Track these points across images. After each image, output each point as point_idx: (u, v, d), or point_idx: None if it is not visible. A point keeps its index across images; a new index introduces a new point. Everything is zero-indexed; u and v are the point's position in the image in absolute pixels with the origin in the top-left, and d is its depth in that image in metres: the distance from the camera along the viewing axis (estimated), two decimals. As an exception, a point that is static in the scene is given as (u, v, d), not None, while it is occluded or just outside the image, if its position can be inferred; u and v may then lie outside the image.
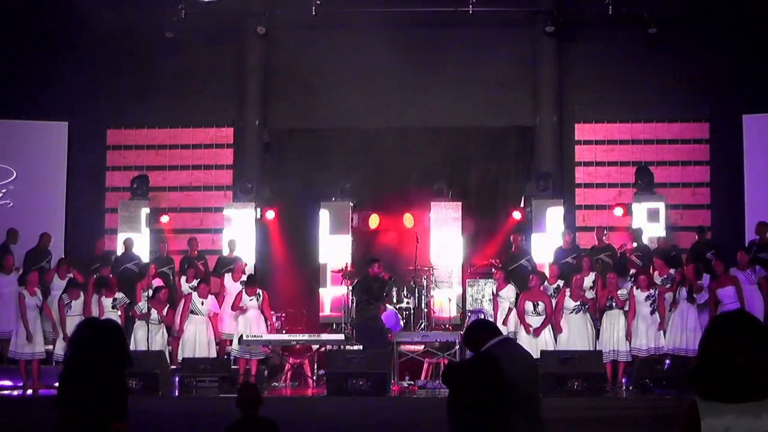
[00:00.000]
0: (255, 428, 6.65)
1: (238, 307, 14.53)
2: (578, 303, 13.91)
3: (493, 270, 15.74)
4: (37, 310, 14.05)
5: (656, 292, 13.74)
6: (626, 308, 13.90)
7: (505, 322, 14.07)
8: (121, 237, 16.83)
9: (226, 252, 16.29)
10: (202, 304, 14.37)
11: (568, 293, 14.06)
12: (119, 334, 5.33)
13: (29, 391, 13.68)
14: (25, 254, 15.89)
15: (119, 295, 14.38)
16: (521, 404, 5.47)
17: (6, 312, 14.35)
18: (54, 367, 14.15)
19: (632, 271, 14.62)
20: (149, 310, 14.24)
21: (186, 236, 16.95)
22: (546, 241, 16.47)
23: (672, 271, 14.23)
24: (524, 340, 13.14)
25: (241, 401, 6.75)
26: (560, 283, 14.65)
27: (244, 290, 14.63)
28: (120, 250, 16.43)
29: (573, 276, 14.42)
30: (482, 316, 15.01)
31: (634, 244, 15.74)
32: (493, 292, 14.75)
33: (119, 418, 5.14)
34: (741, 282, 13.71)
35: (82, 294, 14.32)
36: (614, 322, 13.80)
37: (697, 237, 15.75)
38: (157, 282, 15.04)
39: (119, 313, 14.29)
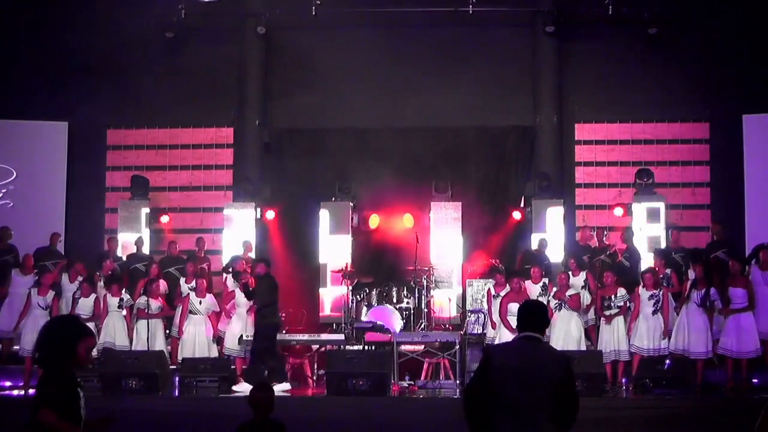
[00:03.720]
0: (263, 431, 6.61)
1: (227, 306, 14.54)
2: (557, 301, 13.86)
3: (492, 270, 15.78)
4: (44, 310, 14.01)
5: (660, 292, 13.70)
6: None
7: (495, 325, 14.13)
8: (121, 237, 16.84)
9: (240, 252, 16.19)
10: (200, 303, 14.35)
11: (552, 292, 14.06)
12: (71, 326, 5.64)
13: (32, 391, 13.64)
14: (33, 253, 15.90)
15: (126, 296, 14.35)
16: (510, 407, 5.34)
17: (20, 311, 14.36)
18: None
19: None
20: (148, 305, 14.20)
21: (186, 236, 16.96)
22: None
23: (668, 271, 14.19)
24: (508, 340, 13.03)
25: (253, 402, 6.71)
26: (546, 280, 14.60)
27: (238, 289, 14.60)
28: (120, 251, 16.45)
29: (558, 274, 14.42)
30: (482, 316, 15.00)
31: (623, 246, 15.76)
32: (489, 292, 14.66)
33: (46, 404, 5.33)
34: (758, 282, 13.66)
35: (93, 294, 14.31)
36: (614, 321, 13.79)
37: (714, 236, 15.66)
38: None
39: (124, 313, 14.26)
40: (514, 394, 5.34)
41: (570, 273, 14.41)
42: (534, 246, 16.36)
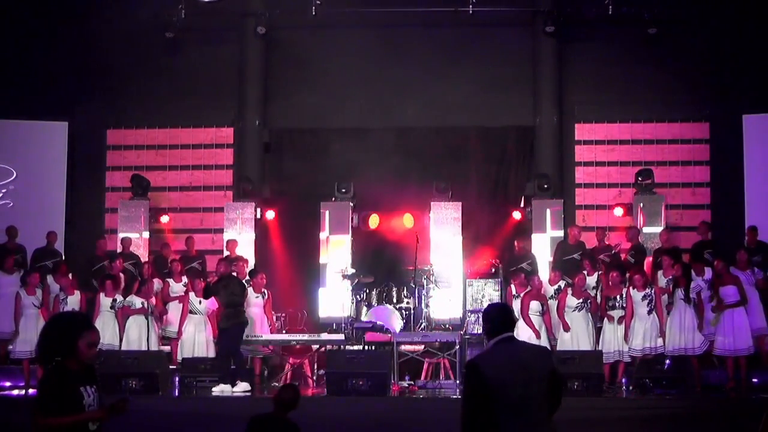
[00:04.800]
0: (279, 428, 6.67)
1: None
2: (580, 300, 13.90)
3: (493, 270, 15.81)
4: (37, 309, 14.02)
5: (653, 291, 13.72)
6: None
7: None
8: (121, 237, 16.82)
9: (225, 253, 16.22)
10: (200, 302, 14.33)
11: (570, 291, 14.06)
12: (70, 322, 5.60)
13: (33, 391, 13.64)
14: (32, 253, 15.90)
15: (119, 297, 14.33)
16: (514, 408, 5.30)
17: (7, 312, 14.34)
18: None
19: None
20: (146, 305, 14.18)
21: (186, 236, 16.93)
22: (546, 241, 16.55)
23: (676, 271, 14.22)
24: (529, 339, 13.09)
25: (281, 400, 6.76)
26: (561, 283, 14.64)
27: (251, 288, 14.60)
28: (119, 250, 16.44)
29: (576, 275, 14.44)
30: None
31: (629, 244, 15.79)
32: (510, 291, 14.69)
33: (40, 409, 5.30)
34: (743, 282, 13.67)
35: (77, 292, 14.28)
36: (616, 322, 13.78)
37: (700, 237, 15.71)
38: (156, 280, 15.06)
39: (116, 313, 14.21)
40: (517, 394, 5.32)
41: (585, 273, 14.44)
42: (529, 249, 16.35)
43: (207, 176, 18.21)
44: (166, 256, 16.28)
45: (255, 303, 14.46)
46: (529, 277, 14.53)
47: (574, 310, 13.88)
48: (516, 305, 14.14)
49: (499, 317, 5.64)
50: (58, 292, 14.37)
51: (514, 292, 14.54)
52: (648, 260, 15.45)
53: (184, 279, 14.86)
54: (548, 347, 13.23)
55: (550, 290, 14.52)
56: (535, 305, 13.82)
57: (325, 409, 12.12)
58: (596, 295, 14.18)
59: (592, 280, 14.42)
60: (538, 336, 13.61)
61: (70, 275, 14.71)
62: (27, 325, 13.92)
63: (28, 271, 14.82)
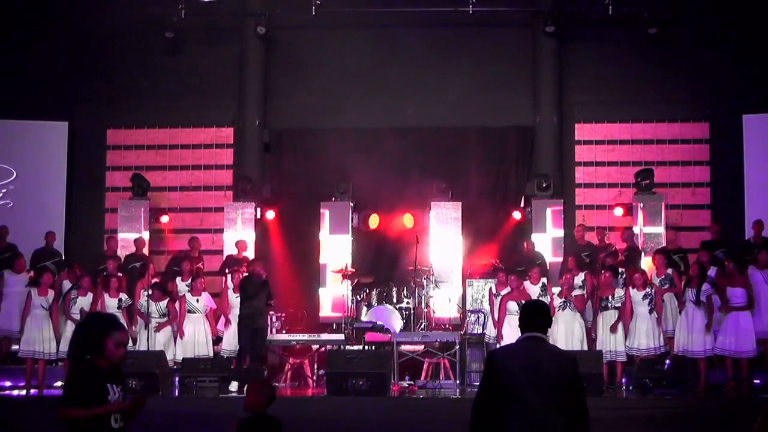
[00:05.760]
0: (262, 426, 6.67)
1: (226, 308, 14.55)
2: (563, 300, 13.87)
3: (494, 269, 15.81)
4: (44, 311, 13.99)
5: (653, 290, 13.72)
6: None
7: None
8: (121, 237, 16.82)
9: (233, 252, 16.19)
10: (197, 301, 14.33)
11: (555, 292, 14.06)
12: (99, 321, 5.75)
13: (33, 391, 13.63)
14: (32, 254, 15.88)
15: (123, 296, 14.32)
16: (517, 405, 5.29)
17: (14, 311, 14.32)
18: (57, 368, 14.16)
19: (620, 270, 14.57)
20: (148, 308, 14.19)
21: (186, 236, 16.94)
22: (546, 241, 16.56)
23: (669, 271, 14.18)
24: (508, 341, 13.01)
25: (255, 401, 6.75)
26: (544, 280, 14.59)
27: (231, 289, 14.58)
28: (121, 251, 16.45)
29: (563, 275, 14.43)
30: (482, 316, 15.00)
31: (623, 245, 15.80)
32: (491, 291, 14.67)
33: (67, 402, 5.42)
34: (759, 281, 13.68)
35: (89, 293, 14.27)
36: (609, 322, 13.75)
37: (712, 235, 15.68)
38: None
39: (122, 314, 14.20)
40: (525, 395, 5.27)
41: (572, 273, 14.41)
42: (530, 248, 16.33)
43: (207, 176, 18.21)
44: (181, 258, 16.28)
45: (236, 304, 14.38)
46: (508, 277, 14.41)
47: (558, 309, 13.84)
48: (497, 304, 14.13)
49: (529, 315, 5.56)
50: (72, 291, 14.34)
51: (494, 291, 14.52)
52: (647, 260, 15.47)
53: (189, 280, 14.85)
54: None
55: (535, 290, 14.42)
56: (513, 306, 13.56)
57: (325, 409, 12.13)
58: (579, 293, 14.15)
59: (578, 279, 14.40)
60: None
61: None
62: (33, 325, 13.89)
63: (39, 271, 14.76)
